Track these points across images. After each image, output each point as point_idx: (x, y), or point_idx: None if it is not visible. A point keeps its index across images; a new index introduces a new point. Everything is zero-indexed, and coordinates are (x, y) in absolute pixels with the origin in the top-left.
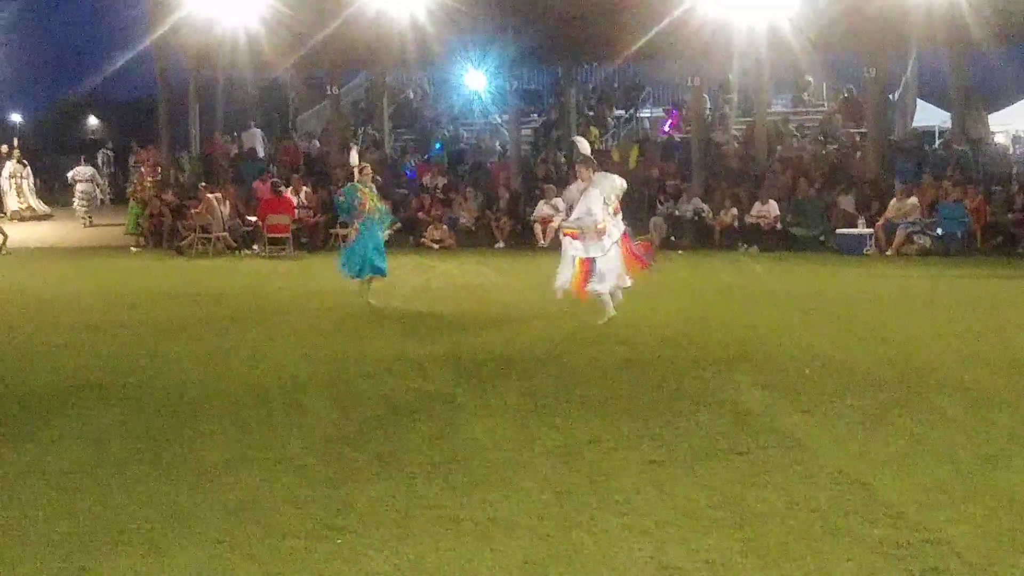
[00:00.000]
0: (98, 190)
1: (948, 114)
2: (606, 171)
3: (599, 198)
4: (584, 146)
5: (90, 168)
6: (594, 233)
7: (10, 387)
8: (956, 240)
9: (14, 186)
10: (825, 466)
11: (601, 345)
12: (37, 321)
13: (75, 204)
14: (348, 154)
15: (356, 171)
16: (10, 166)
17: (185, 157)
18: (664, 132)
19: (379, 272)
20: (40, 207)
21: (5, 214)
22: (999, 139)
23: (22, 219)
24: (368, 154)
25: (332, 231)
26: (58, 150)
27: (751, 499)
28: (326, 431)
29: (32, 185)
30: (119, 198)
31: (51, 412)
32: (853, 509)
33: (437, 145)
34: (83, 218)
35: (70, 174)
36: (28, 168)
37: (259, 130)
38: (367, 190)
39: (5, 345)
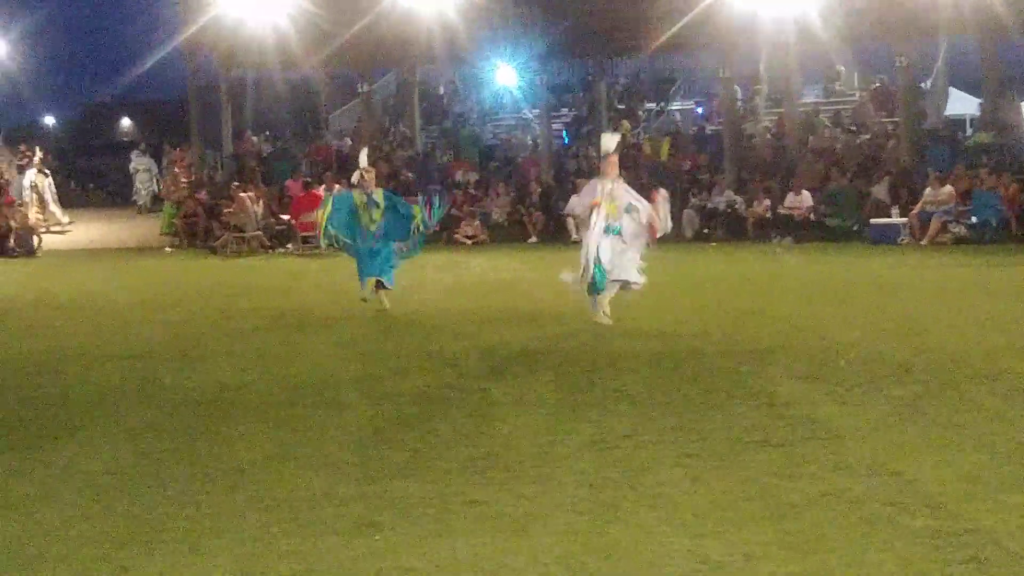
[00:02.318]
0: (154, 180)
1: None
2: (642, 164)
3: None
4: (613, 141)
5: (148, 159)
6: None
7: (47, 388)
8: (991, 228)
9: (35, 196)
10: (861, 456)
11: (634, 338)
12: (72, 323)
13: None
14: (359, 155)
15: (359, 175)
16: (31, 175)
17: (212, 155)
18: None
19: (377, 274)
20: (62, 218)
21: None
22: None
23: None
24: (400, 151)
25: None
26: (90, 152)
27: (787, 491)
28: (361, 428)
29: (54, 195)
30: (153, 198)
31: (88, 413)
32: (890, 499)
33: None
34: (141, 204)
35: (132, 164)
36: (50, 179)
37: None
38: (361, 200)
39: (41, 347)
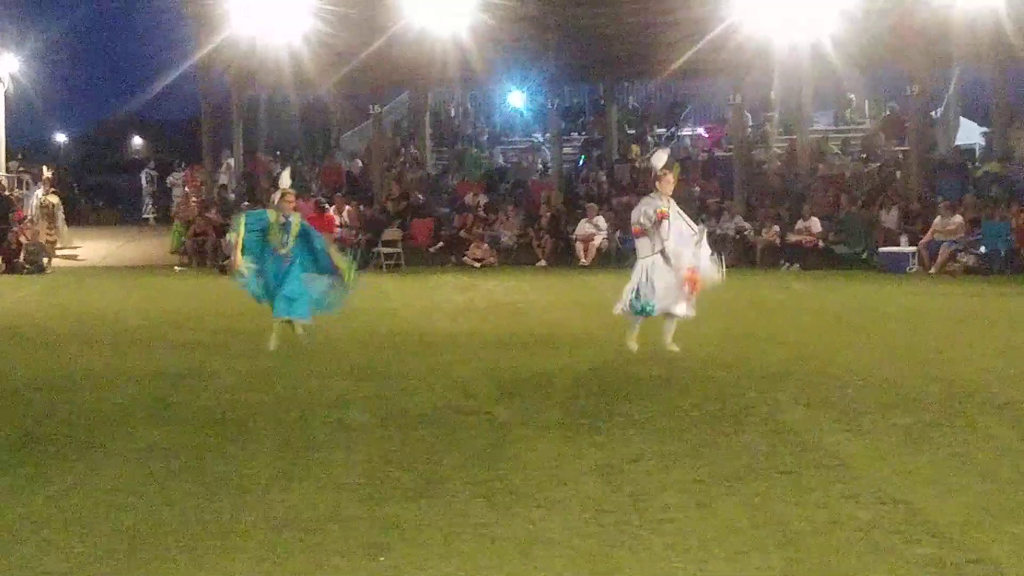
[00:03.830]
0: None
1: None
2: (648, 190)
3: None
4: (664, 157)
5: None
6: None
7: (56, 406)
8: (1000, 258)
9: (45, 217)
10: (868, 484)
11: (643, 363)
12: (81, 340)
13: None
14: (282, 175)
15: (279, 195)
16: (39, 195)
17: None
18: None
19: (285, 314)
20: (69, 243)
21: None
22: None
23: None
24: (410, 173)
25: (374, 250)
26: (101, 169)
27: (794, 518)
28: (369, 449)
29: (64, 221)
30: (163, 217)
31: (96, 430)
32: (896, 528)
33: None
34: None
35: (169, 179)
36: (60, 202)
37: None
38: (277, 221)
39: (50, 364)
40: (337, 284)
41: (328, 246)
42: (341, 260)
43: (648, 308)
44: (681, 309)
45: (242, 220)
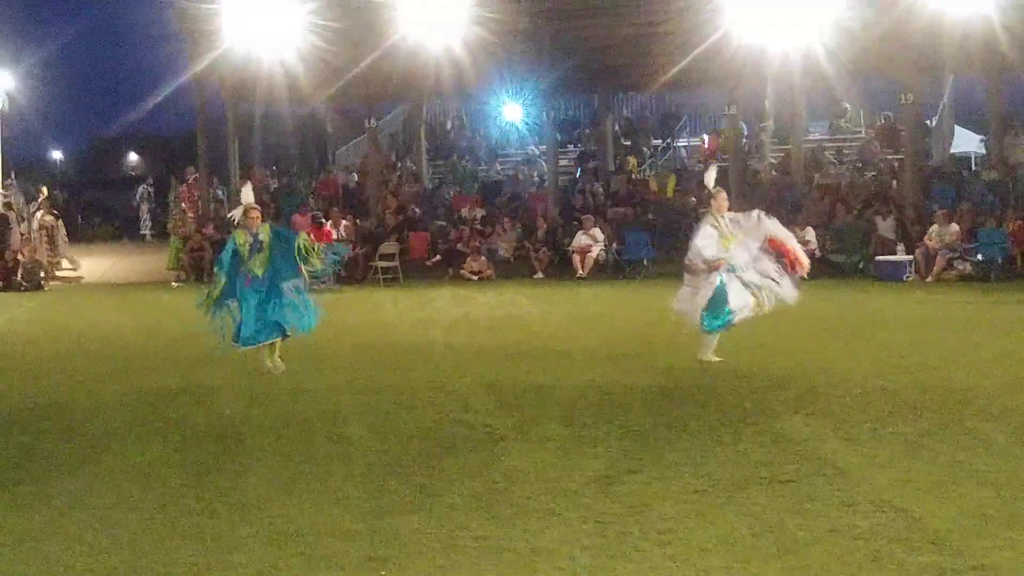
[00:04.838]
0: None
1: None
2: (648, 200)
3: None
4: (713, 175)
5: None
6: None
7: (54, 422)
8: (996, 266)
9: (44, 237)
10: (867, 493)
11: (641, 374)
12: (79, 356)
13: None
14: (242, 190)
15: (242, 212)
16: (39, 216)
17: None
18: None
19: (278, 331)
20: (69, 263)
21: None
22: None
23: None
24: (406, 186)
25: (371, 263)
26: (97, 185)
27: (793, 526)
28: (368, 462)
29: (65, 239)
30: (160, 233)
31: (95, 447)
32: (895, 536)
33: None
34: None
35: (172, 195)
36: (61, 221)
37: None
38: (246, 241)
39: (48, 380)
40: (304, 291)
41: (303, 244)
42: (314, 256)
43: (725, 320)
44: (745, 314)
45: (222, 269)
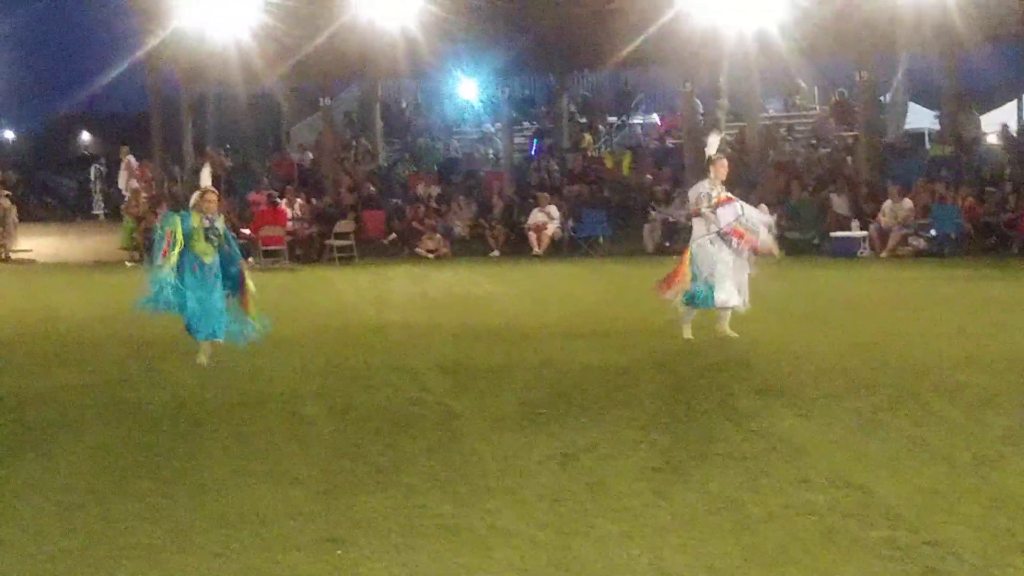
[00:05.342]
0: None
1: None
2: (603, 177)
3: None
4: (716, 142)
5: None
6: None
7: (7, 404)
8: (950, 241)
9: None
10: (822, 469)
11: (597, 352)
12: (32, 337)
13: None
14: (201, 173)
15: (199, 196)
16: None
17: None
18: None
19: (211, 335)
20: (21, 248)
21: None
22: (991, 140)
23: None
24: (362, 165)
25: (327, 242)
26: (50, 166)
27: (750, 504)
28: (325, 443)
29: (15, 222)
30: (113, 213)
31: (49, 429)
32: (851, 512)
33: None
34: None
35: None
36: (14, 207)
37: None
38: (201, 224)
39: (1, 362)
40: (239, 315)
41: (243, 273)
42: (250, 299)
43: (703, 298)
44: (735, 300)
45: (176, 220)
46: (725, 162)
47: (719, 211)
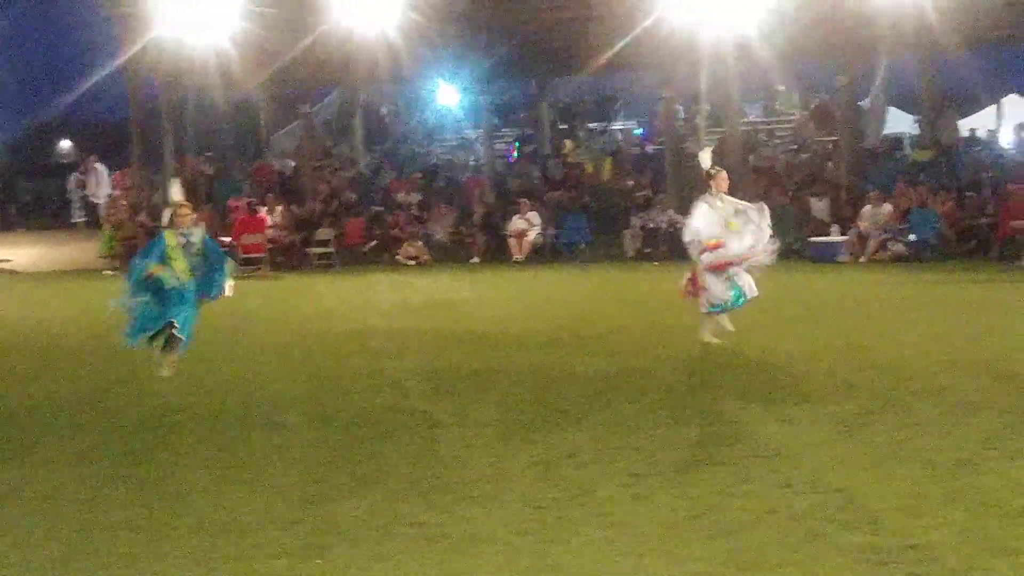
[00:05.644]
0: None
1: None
2: (584, 183)
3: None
4: (708, 156)
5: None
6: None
7: None
8: (929, 246)
9: None
10: (804, 473)
11: (579, 357)
12: (9, 347)
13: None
14: (172, 188)
15: (171, 212)
16: None
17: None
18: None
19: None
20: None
21: None
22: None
23: None
24: (342, 172)
25: (308, 250)
26: (30, 173)
27: (732, 508)
28: (305, 450)
29: None
30: (93, 221)
31: (29, 437)
32: (833, 516)
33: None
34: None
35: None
36: None
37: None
38: (177, 242)
39: None
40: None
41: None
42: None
43: (736, 297)
44: (755, 289)
45: (149, 264)
46: (725, 174)
47: (729, 244)
